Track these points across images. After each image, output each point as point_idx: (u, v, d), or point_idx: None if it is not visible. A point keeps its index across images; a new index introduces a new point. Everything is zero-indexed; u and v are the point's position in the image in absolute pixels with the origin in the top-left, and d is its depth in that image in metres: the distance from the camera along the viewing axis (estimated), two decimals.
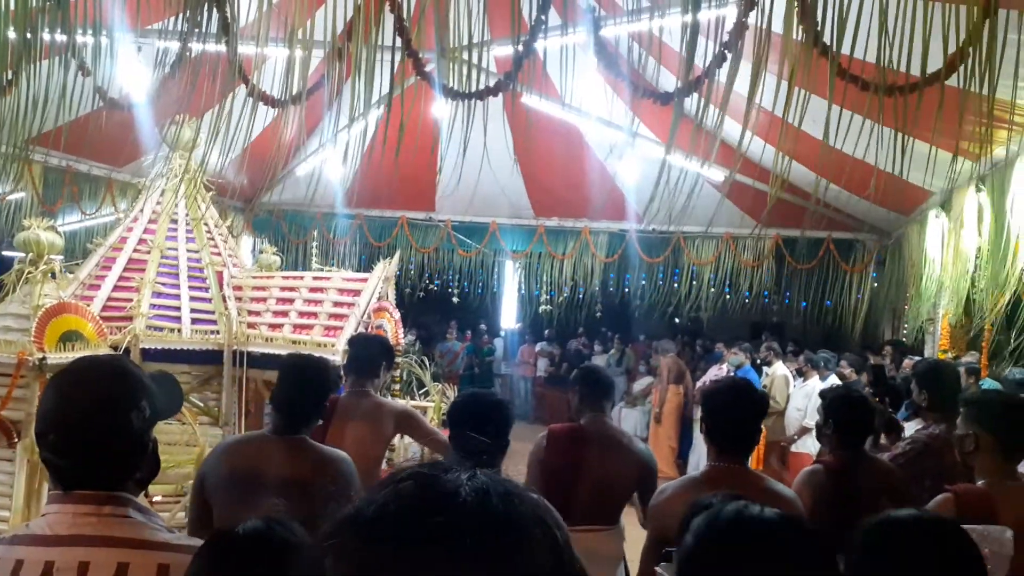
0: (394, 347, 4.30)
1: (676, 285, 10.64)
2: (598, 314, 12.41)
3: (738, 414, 2.73)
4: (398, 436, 4.59)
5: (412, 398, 7.52)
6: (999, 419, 2.83)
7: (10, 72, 3.44)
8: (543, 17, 2.90)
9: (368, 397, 3.86)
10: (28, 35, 3.30)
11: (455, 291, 11.96)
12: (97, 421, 1.59)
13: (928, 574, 1.50)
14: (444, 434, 6.74)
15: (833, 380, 7.85)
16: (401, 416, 3.84)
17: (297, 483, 2.64)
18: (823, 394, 3.61)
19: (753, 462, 8.36)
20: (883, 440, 4.26)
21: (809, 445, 7.71)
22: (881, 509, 2.86)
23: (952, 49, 2.51)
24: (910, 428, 4.38)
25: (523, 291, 12.23)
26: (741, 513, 1.23)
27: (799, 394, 8.23)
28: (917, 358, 6.88)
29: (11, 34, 3.33)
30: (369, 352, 4.02)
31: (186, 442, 5.08)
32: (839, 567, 1.20)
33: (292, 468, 2.71)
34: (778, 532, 1.19)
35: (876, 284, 9.67)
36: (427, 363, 8.51)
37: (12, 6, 3.24)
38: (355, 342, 4.18)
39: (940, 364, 4.99)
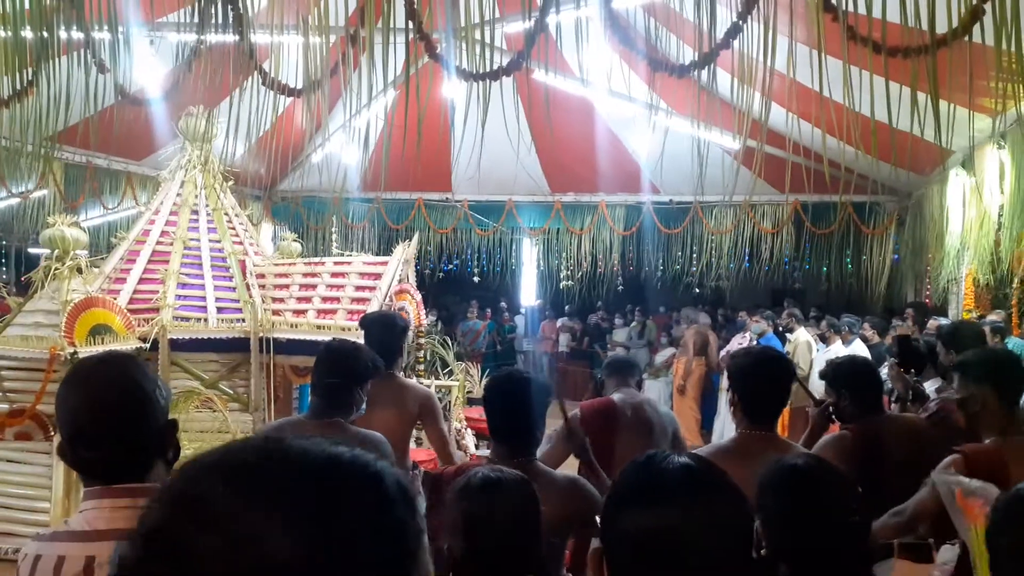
0: (408, 324, 4.21)
1: (695, 255, 10.60)
2: (619, 287, 12.40)
3: (767, 383, 2.75)
4: None
5: (436, 377, 7.60)
6: (996, 374, 2.85)
7: (30, 71, 3.49)
8: None
9: (394, 379, 3.85)
10: (44, 34, 3.34)
11: (475, 270, 11.99)
12: (126, 410, 1.61)
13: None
14: (467, 413, 6.86)
15: (857, 344, 7.82)
16: (425, 401, 3.81)
17: None
18: (823, 374, 3.57)
19: (779, 429, 8.38)
20: (910, 408, 4.25)
21: None
22: (912, 468, 2.88)
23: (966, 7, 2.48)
24: (929, 387, 4.38)
25: (542, 268, 12.24)
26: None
27: (822, 359, 8.20)
28: (941, 319, 6.84)
29: (28, 33, 3.37)
30: (386, 335, 3.91)
31: (217, 429, 5.17)
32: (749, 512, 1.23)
33: None
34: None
35: (897, 246, 9.59)
36: (449, 343, 8.57)
37: (28, 5, 3.28)
38: (370, 324, 4.03)
39: (963, 324, 4.98)
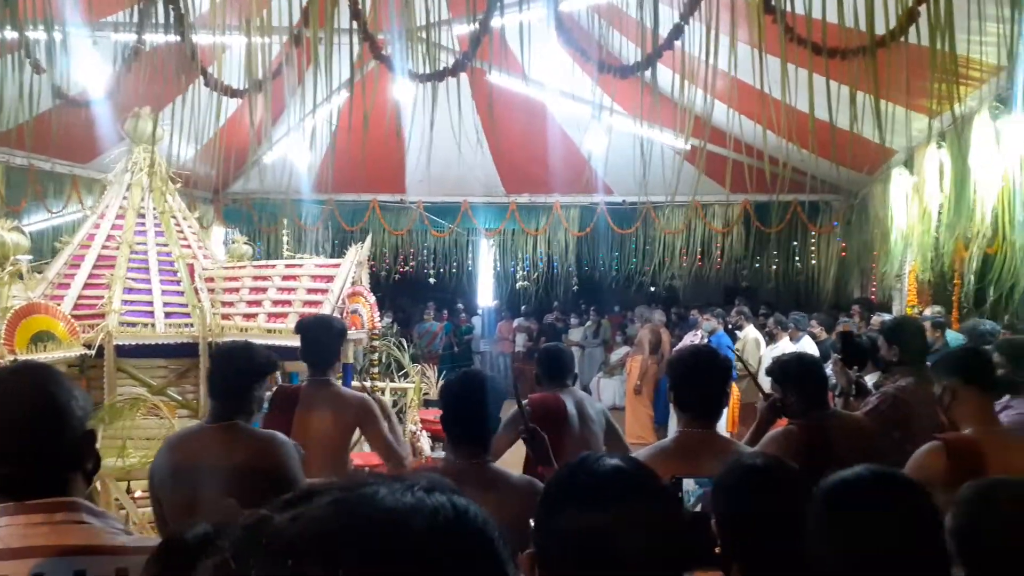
0: (345, 327, 4.06)
1: (649, 255, 10.71)
2: (574, 287, 12.47)
3: (702, 381, 2.78)
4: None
5: (392, 380, 7.56)
6: (970, 368, 2.97)
7: None
8: None
9: (328, 387, 3.76)
10: None
11: (431, 272, 11.95)
12: (38, 422, 1.57)
13: (884, 528, 1.55)
14: (423, 415, 6.84)
15: (806, 341, 7.97)
16: (361, 408, 3.71)
17: (235, 470, 2.64)
18: (770, 370, 3.63)
19: (728, 424, 8.51)
20: (852, 403, 4.34)
21: None
22: (856, 463, 2.94)
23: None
24: (869, 381, 4.49)
25: (498, 268, 12.25)
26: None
27: (770, 356, 8.35)
28: (885, 315, 7.02)
29: None
30: (322, 339, 3.83)
31: (164, 436, 5.07)
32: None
33: (228, 455, 2.70)
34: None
35: (844, 244, 9.80)
36: (405, 345, 8.53)
37: None
38: (305, 329, 3.95)
39: (905, 319, 5.12)
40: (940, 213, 6.08)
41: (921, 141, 6.25)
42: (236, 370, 2.91)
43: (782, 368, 3.53)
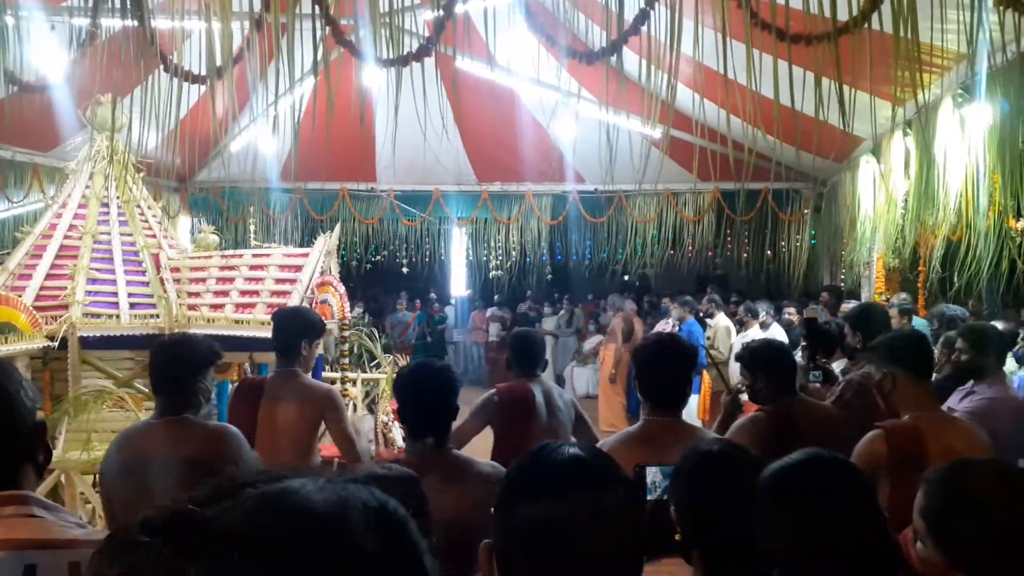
0: (320, 321, 4.02)
1: (621, 243, 10.73)
2: (547, 276, 12.47)
3: (665, 369, 2.79)
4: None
5: (363, 371, 7.51)
6: (904, 353, 3.00)
7: None
8: None
9: (294, 378, 3.72)
10: None
11: (403, 261, 11.88)
12: None
13: (825, 510, 1.60)
14: (395, 406, 6.81)
15: (775, 328, 8.04)
16: (325, 400, 3.69)
17: (184, 463, 2.62)
18: (739, 357, 3.66)
19: (700, 412, 8.58)
20: (819, 389, 4.37)
21: None
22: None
23: None
24: (836, 367, 4.53)
25: (471, 258, 12.22)
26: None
27: (740, 344, 8.42)
28: (854, 302, 7.09)
29: None
30: (285, 330, 3.81)
31: None
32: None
33: (176, 449, 2.68)
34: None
35: (814, 231, 9.90)
36: (377, 335, 8.49)
37: None
38: (273, 320, 3.95)
39: (869, 306, 5.17)
40: (906, 200, 6.15)
41: (887, 129, 6.31)
42: (179, 363, 2.87)
43: (751, 354, 3.56)
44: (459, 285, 15.93)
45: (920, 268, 6.96)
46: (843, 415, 3.63)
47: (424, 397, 2.59)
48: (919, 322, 6.17)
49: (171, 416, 2.81)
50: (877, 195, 6.86)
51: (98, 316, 5.23)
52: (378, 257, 12.00)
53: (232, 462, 2.71)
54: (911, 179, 5.94)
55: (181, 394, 2.85)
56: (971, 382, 3.82)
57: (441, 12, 2.88)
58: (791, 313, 8.48)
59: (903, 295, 6.81)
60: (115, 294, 5.42)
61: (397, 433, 6.51)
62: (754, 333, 8.02)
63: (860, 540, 1.58)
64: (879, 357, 3.08)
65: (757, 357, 3.52)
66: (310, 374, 3.99)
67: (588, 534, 1.12)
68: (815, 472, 1.68)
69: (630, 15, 2.94)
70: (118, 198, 5.84)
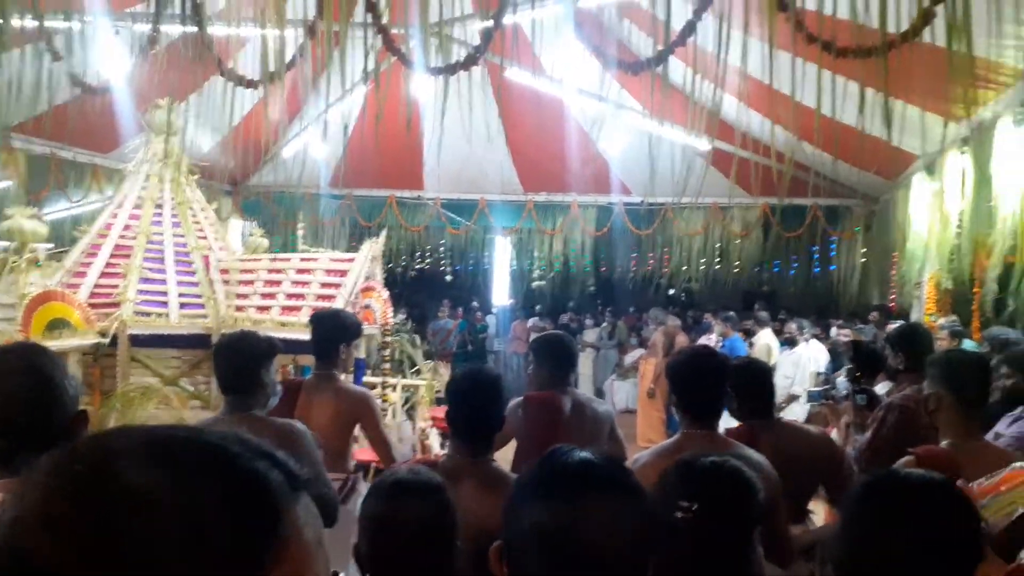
0: (357, 323, 4.04)
1: (667, 257, 10.65)
2: (590, 288, 12.42)
3: (700, 382, 2.76)
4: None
5: (404, 376, 7.56)
6: (955, 376, 2.85)
7: None
8: None
9: (330, 381, 3.74)
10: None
11: (447, 269, 11.94)
12: (33, 398, 1.58)
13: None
14: (437, 412, 6.84)
15: (814, 345, 7.93)
16: (360, 403, 3.71)
17: None
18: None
19: None
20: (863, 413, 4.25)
21: (797, 412, 7.77)
22: (786, 475, 2.87)
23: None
24: (880, 390, 4.41)
25: (515, 267, 12.24)
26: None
27: (787, 361, 8.28)
28: (900, 323, 6.93)
29: None
30: (322, 332, 3.83)
31: None
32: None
33: None
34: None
35: (864, 249, 9.70)
36: (419, 341, 8.54)
37: None
38: (311, 322, 3.97)
39: (913, 326, 5.02)
40: (961, 220, 6.00)
41: (945, 146, 6.18)
42: (240, 356, 2.93)
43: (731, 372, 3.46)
44: (501, 294, 15.94)
45: (975, 289, 6.77)
46: (824, 442, 3.52)
47: (474, 403, 2.57)
48: (970, 344, 6.00)
49: (240, 413, 2.87)
50: (932, 214, 6.70)
51: (148, 315, 5.35)
52: (423, 264, 12.08)
53: (306, 457, 2.75)
54: (966, 198, 5.80)
55: (247, 390, 2.91)
56: (1021, 407, 3.68)
57: (491, 22, 2.90)
58: (844, 334, 8.34)
59: (952, 317, 6.63)
60: (165, 294, 5.54)
61: (435, 440, 6.54)
62: (801, 350, 7.90)
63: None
64: (932, 375, 2.96)
65: (734, 377, 3.42)
66: (351, 377, 4.02)
67: (595, 536, 1.12)
68: (918, 489, 1.59)
69: (676, 25, 2.92)
70: (172, 200, 5.98)
